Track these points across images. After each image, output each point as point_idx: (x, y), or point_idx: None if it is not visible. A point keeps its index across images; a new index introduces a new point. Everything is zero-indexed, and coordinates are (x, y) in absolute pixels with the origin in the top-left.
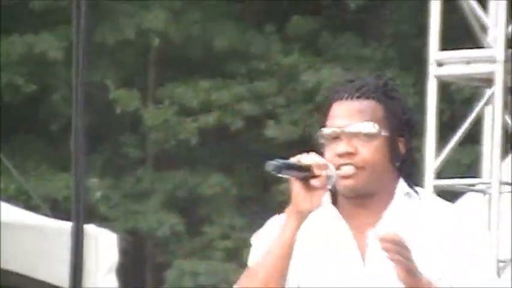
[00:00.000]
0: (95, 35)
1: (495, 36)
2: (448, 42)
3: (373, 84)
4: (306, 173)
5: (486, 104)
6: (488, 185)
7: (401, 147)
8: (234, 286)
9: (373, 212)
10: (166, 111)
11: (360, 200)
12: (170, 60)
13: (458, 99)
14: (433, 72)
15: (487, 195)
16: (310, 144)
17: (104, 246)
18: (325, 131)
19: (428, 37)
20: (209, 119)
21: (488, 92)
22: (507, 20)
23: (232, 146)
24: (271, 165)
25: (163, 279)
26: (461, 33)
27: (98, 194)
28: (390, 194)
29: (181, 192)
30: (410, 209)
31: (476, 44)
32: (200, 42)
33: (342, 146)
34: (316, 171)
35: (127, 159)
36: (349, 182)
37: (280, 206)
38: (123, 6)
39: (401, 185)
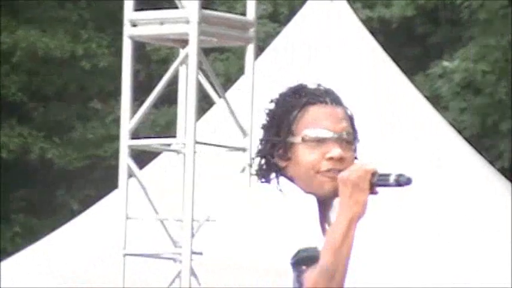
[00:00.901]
0: None
1: None
2: (144, 3)
3: (334, 91)
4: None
5: (181, 64)
6: (183, 145)
7: None
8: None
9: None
10: None
11: (329, 201)
12: None
13: (155, 59)
14: (128, 32)
15: (181, 155)
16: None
17: None
18: (317, 133)
19: None
20: None
21: (182, 53)
22: None
23: None
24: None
25: None
26: None
27: None
28: None
29: None
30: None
31: (171, 5)
32: None
33: (335, 151)
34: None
35: None
36: (333, 187)
37: None
38: None
39: None
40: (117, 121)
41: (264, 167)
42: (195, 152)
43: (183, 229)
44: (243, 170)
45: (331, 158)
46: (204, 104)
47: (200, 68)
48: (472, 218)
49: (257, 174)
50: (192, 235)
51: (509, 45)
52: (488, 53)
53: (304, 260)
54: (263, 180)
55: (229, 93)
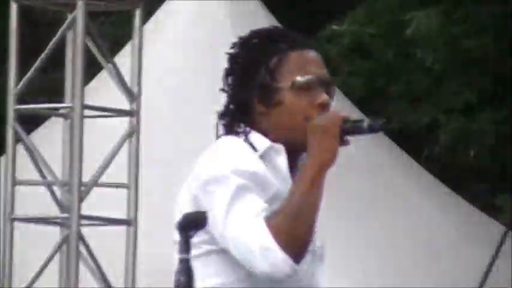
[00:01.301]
0: None
1: None
2: None
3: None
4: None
5: (68, 28)
6: (71, 109)
7: None
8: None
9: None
10: None
11: (300, 152)
12: None
13: (42, 23)
14: None
15: (69, 120)
16: None
17: None
18: (307, 78)
19: None
20: None
21: (69, 17)
22: None
23: None
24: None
25: None
26: None
27: None
28: None
29: None
30: None
31: None
32: None
33: (324, 96)
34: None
35: None
36: None
37: None
38: None
39: None
40: (4, 86)
41: (237, 112)
42: (82, 117)
43: (71, 194)
44: (131, 134)
45: (320, 104)
46: (92, 68)
47: (87, 32)
48: (370, 186)
49: (220, 124)
50: (80, 200)
51: (398, 8)
52: (376, 16)
53: (190, 224)
54: (229, 132)
55: (117, 58)
